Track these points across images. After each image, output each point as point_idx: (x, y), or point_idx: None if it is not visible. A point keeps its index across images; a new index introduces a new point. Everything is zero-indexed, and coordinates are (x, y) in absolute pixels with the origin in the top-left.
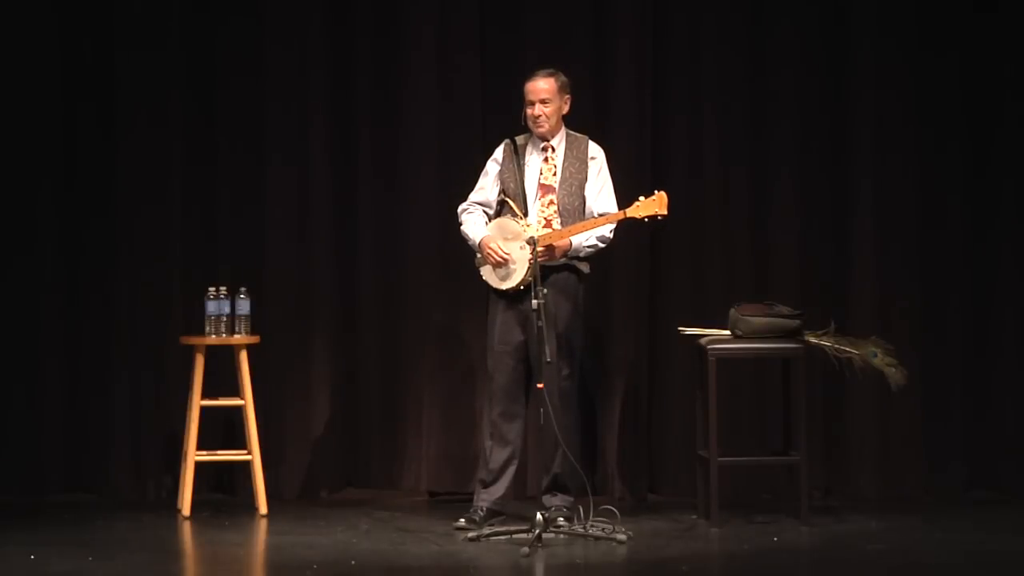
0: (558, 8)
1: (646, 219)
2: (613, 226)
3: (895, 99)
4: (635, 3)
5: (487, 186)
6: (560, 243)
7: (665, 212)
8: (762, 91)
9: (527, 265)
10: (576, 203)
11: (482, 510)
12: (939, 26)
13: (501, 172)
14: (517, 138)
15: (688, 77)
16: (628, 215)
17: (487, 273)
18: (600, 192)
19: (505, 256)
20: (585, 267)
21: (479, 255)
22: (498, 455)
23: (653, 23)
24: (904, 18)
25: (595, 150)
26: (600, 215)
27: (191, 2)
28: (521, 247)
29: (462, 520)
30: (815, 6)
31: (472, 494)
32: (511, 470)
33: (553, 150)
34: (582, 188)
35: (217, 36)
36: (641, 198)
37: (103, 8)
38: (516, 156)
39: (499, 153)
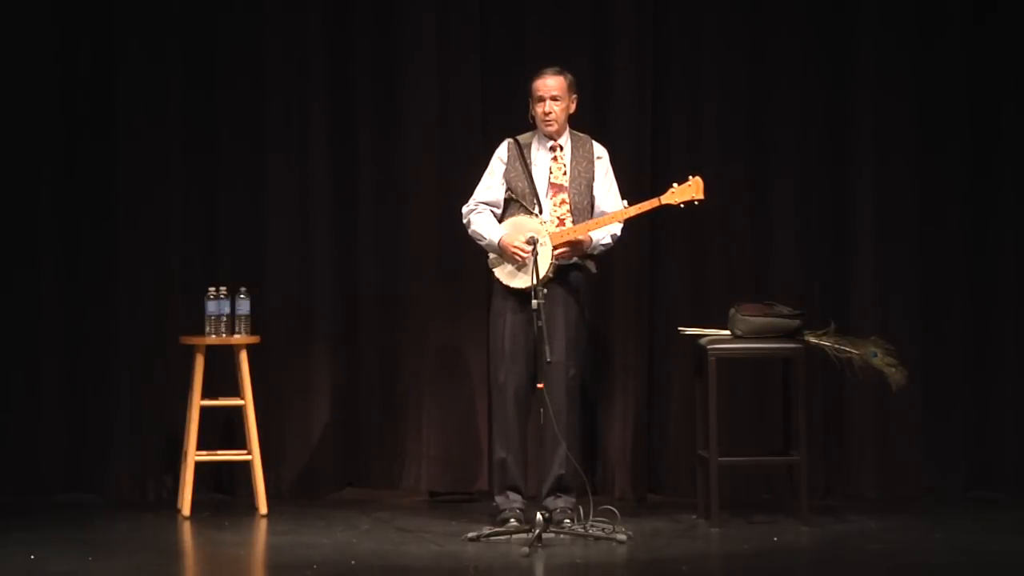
0: (558, 7)
1: (682, 205)
2: (622, 223)
3: (896, 98)
4: (635, 2)
5: (494, 185)
6: (583, 239)
7: (702, 197)
8: (762, 90)
9: (548, 262)
10: (586, 202)
11: (519, 511)
12: (940, 24)
13: (507, 171)
14: (519, 137)
15: (688, 77)
16: (664, 202)
17: (503, 273)
18: (609, 191)
19: (527, 254)
20: (593, 266)
21: (492, 255)
22: (516, 460)
23: (653, 22)
24: (905, 16)
25: (600, 150)
26: (626, 206)
27: (191, 3)
28: (542, 244)
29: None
30: (815, 5)
31: (470, 493)
32: (524, 472)
33: (561, 149)
34: (590, 187)
35: (217, 37)
36: (675, 184)
37: (103, 8)
38: (522, 155)
39: (503, 152)
